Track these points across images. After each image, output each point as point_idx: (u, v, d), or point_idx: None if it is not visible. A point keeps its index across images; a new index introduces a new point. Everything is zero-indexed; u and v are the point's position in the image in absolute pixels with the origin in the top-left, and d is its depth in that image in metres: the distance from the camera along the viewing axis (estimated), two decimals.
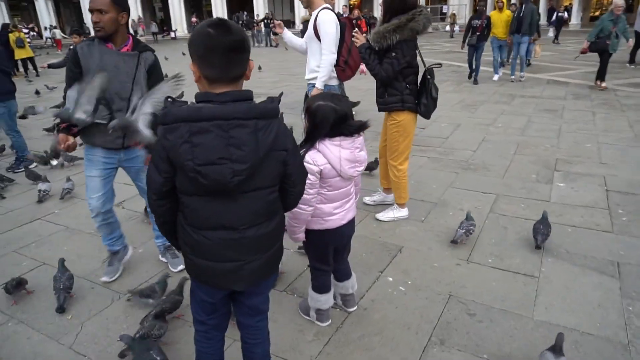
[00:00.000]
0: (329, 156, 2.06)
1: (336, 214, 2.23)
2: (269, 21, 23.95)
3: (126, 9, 2.62)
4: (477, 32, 9.75)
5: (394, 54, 3.25)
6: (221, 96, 1.36)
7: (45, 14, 31.92)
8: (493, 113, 7.37)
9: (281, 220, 1.66)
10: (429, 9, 3.83)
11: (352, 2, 36.74)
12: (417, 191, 4.29)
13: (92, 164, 2.79)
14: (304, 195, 1.92)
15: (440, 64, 3.67)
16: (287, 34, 4.10)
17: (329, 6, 3.85)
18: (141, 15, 32.84)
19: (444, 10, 32.73)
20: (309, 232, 2.27)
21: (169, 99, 1.37)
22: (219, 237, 1.48)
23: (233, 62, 1.38)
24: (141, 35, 28.34)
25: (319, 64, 3.78)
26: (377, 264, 3.12)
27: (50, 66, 8.18)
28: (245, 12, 29.08)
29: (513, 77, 10.22)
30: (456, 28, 25.30)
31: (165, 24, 33.06)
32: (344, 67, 3.93)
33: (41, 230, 3.94)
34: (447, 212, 3.90)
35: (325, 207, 2.19)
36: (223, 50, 1.35)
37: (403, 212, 3.84)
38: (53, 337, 2.55)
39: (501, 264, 3.06)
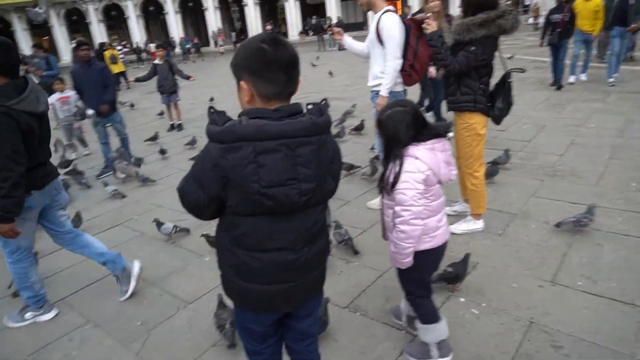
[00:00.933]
0: (429, 161, 1.90)
1: (441, 228, 2.04)
2: (328, 27, 24.06)
3: None
4: (557, 29, 8.18)
5: (473, 47, 3.03)
6: (277, 112, 1.28)
7: (137, 31, 34.74)
8: (583, 112, 6.63)
9: (327, 237, 1.56)
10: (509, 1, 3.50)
11: None
12: (494, 201, 3.94)
13: None
14: (417, 208, 1.86)
15: (523, 70, 3.41)
16: (347, 39, 3.97)
17: (391, 8, 3.66)
18: (220, 27, 34.56)
19: (527, 2, 30.69)
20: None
21: (212, 110, 1.29)
22: (273, 259, 1.39)
23: (292, 78, 1.31)
24: (221, 45, 29.85)
25: (383, 69, 3.62)
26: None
27: (137, 80, 8.80)
28: (315, 17, 29.37)
29: (611, 79, 8.16)
30: (540, 20, 23.57)
31: (243, 34, 34.44)
32: (410, 72, 3.70)
33: (120, 235, 4.17)
34: (529, 224, 3.53)
35: (430, 222, 2.00)
36: (281, 66, 1.27)
37: (478, 225, 3.54)
38: (123, 343, 2.65)
39: (594, 288, 2.67)
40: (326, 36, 25.47)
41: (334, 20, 28.16)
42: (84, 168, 6.25)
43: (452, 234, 3.48)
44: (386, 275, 3.00)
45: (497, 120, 3.30)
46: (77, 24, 35.58)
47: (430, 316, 2.17)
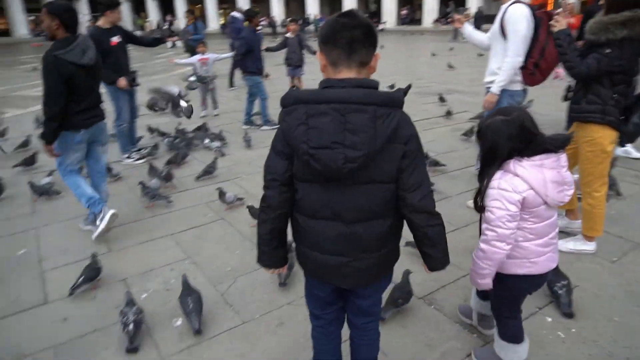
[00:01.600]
0: (531, 180, 1.70)
1: (546, 254, 1.85)
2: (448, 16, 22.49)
3: None
4: None
5: (609, 50, 2.65)
6: (342, 82, 1.33)
7: (277, 6, 36.59)
8: None
9: (399, 223, 1.54)
10: None
11: None
12: (615, 224, 3.50)
13: None
14: (503, 230, 1.71)
15: None
16: (467, 28, 3.79)
17: None
18: (355, 8, 34.88)
19: None
20: (504, 277, 1.89)
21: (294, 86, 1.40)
22: (324, 228, 1.46)
23: (356, 45, 1.34)
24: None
25: (501, 65, 3.38)
26: (538, 298, 2.65)
27: (267, 49, 9.35)
28: (453, 3, 27.84)
29: None
30: None
31: (375, 16, 34.30)
32: (534, 71, 3.38)
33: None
34: None
35: (530, 246, 1.82)
36: (346, 31, 1.33)
37: (589, 246, 3.19)
38: (212, 282, 2.96)
39: None
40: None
41: (473, 10, 26.54)
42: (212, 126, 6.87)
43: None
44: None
45: (631, 137, 2.90)
46: None
47: (513, 337, 2.02)
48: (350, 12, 1.38)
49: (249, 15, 7.26)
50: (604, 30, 2.64)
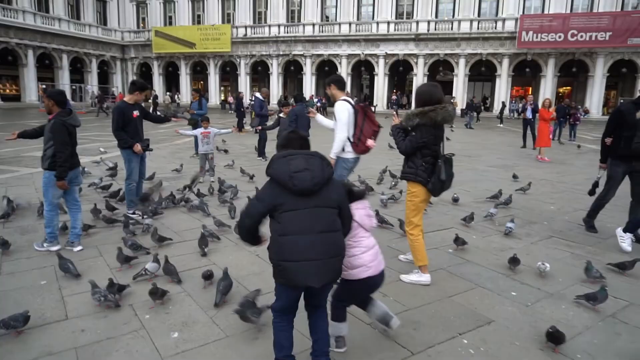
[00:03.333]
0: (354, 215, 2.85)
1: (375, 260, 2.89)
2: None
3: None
4: None
5: (413, 133, 3.97)
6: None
7: (276, 86, 39.19)
8: None
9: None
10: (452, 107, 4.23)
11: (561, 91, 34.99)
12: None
13: None
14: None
15: (453, 154, 4.19)
16: (319, 117, 5.46)
17: (346, 98, 5.03)
18: (349, 92, 37.57)
19: None
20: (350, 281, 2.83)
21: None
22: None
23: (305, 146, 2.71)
24: None
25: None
26: (460, 327, 3.38)
27: (263, 128, 10.60)
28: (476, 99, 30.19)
29: None
30: None
31: (367, 100, 36.84)
32: (357, 142, 4.88)
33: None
34: (560, 305, 3.84)
35: (365, 256, 2.82)
36: (295, 140, 2.69)
37: (424, 278, 4.15)
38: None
39: None
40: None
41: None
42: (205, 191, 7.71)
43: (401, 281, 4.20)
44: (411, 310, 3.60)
45: (435, 193, 4.08)
46: (228, 73, 41.54)
47: (339, 317, 2.97)
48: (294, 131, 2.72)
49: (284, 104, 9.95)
50: (408, 119, 3.99)
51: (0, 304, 3.63)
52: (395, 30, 35.82)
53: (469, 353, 3.07)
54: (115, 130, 5.97)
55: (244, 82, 39.97)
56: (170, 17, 42.48)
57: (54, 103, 4.78)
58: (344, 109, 4.91)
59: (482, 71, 34.28)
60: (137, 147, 5.95)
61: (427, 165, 4.00)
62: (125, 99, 6.25)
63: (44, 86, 35.96)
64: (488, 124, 26.39)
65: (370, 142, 4.89)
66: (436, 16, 34.98)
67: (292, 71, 39.69)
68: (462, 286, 4.12)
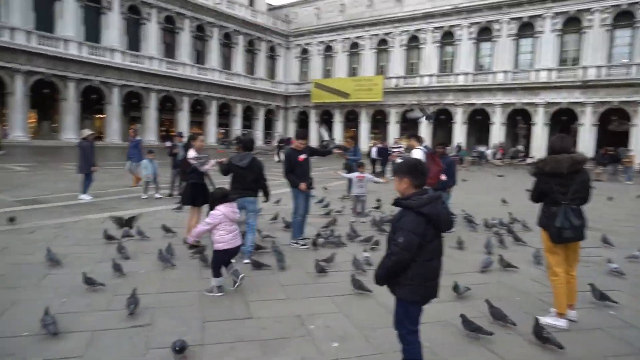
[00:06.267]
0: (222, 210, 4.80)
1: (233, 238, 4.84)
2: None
3: None
4: None
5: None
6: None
7: (426, 134, 39.26)
8: None
9: None
10: None
11: None
12: None
13: None
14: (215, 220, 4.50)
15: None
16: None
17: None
18: (503, 141, 35.63)
19: None
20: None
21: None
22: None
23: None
24: (499, 159, 31.95)
25: None
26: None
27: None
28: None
29: None
30: None
31: (523, 152, 34.36)
32: None
33: None
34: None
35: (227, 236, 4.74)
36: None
37: (560, 322, 4.13)
38: None
39: None
40: (620, 166, 22.92)
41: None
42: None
43: None
44: None
45: (553, 239, 4.16)
46: (378, 122, 43.25)
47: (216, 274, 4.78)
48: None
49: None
50: (530, 169, 4.45)
51: None
52: (557, 77, 33.44)
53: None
54: (285, 174, 6.85)
55: (392, 130, 41.00)
56: (329, 70, 46.51)
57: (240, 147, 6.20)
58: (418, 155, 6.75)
59: None
60: (302, 185, 6.76)
61: (549, 212, 4.13)
62: (292, 146, 7.21)
63: (222, 131, 42.53)
64: None
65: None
66: (608, 61, 31.69)
67: (444, 120, 39.56)
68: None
